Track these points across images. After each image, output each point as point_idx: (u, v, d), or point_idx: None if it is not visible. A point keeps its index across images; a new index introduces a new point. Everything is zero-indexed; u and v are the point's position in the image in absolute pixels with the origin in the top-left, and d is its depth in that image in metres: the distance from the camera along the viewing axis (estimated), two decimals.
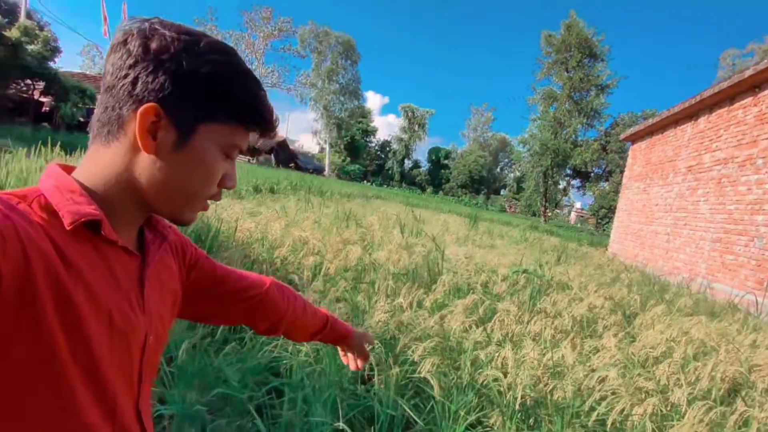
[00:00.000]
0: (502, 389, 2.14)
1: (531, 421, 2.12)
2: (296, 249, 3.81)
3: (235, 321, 0.96)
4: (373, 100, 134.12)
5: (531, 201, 38.08)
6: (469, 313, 2.98)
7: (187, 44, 0.56)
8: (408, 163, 67.37)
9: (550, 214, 37.02)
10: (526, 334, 2.87)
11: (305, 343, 2.25)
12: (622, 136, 15.75)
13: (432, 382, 2.12)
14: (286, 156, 41.11)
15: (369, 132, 61.40)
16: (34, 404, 0.48)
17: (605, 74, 33.29)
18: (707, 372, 2.48)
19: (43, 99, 17.49)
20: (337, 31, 44.91)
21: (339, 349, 1.17)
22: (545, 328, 3.00)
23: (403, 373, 2.28)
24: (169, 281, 0.72)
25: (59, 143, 5.21)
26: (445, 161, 65.61)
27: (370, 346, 1.21)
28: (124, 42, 0.56)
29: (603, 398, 2.19)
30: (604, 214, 34.10)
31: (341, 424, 1.72)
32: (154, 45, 0.55)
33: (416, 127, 64.16)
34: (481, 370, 2.29)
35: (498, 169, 68.05)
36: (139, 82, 0.55)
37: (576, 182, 42.37)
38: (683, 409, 2.17)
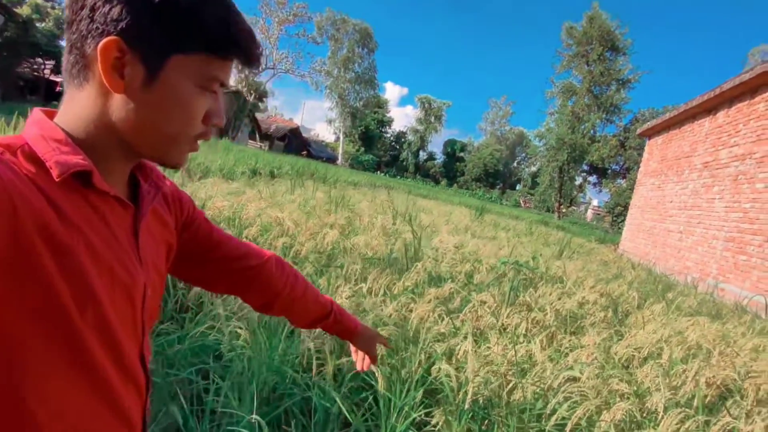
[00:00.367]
0: (453, 386, 1.93)
1: (485, 422, 1.92)
2: (268, 230, 3.63)
3: (226, 290, 0.91)
4: (391, 91, 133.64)
5: (545, 196, 37.39)
6: (439, 303, 2.76)
7: None
8: (423, 155, 66.83)
9: (564, 210, 36.31)
10: (497, 327, 2.65)
11: (242, 325, 2.06)
12: (638, 131, 15.21)
13: (377, 374, 1.93)
14: (298, 143, 41.06)
15: (384, 122, 61.01)
16: (50, 360, 0.46)
17: (627, 68, 32.31)
18: (691, 376, 2.23)
19: (54, 78, 17.59)
20: (355, 19, 44.46)
21: (350, 345, 1.12)
22: (521, 321, 2.78)
23: (351, 363, 2.09)
24: (163, 232, 0.69)
25: None
26: (461, 154, 64.94)
27: (383, 348, 1.10)
28: None
29: (568, 400, 1.97)
30: (619, 211, 33.16)
31: (255, 417, 1.53)
32: None
33: (432, 119, 63.55)
34: (435, 365, 2.08)
35: (515, 164, 67.10)
36: (97, 13, 0.49)
37: (593, 178, 41.37)
38: (660, 416, 1.94)
